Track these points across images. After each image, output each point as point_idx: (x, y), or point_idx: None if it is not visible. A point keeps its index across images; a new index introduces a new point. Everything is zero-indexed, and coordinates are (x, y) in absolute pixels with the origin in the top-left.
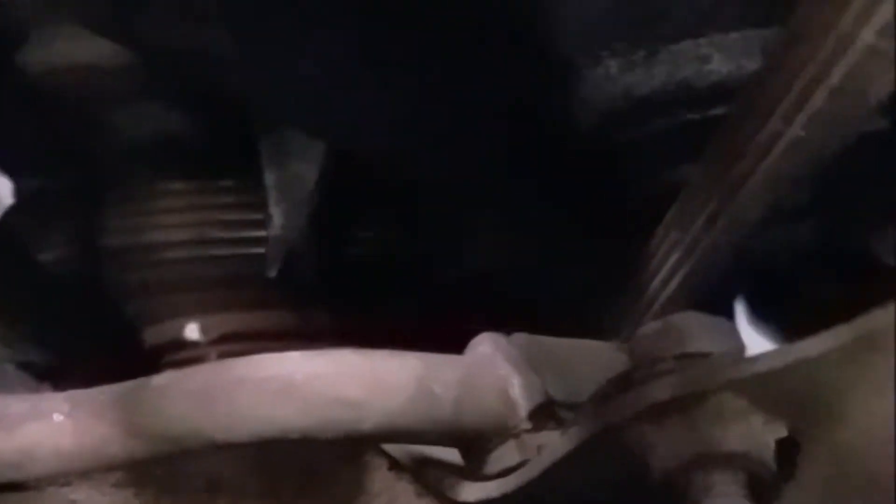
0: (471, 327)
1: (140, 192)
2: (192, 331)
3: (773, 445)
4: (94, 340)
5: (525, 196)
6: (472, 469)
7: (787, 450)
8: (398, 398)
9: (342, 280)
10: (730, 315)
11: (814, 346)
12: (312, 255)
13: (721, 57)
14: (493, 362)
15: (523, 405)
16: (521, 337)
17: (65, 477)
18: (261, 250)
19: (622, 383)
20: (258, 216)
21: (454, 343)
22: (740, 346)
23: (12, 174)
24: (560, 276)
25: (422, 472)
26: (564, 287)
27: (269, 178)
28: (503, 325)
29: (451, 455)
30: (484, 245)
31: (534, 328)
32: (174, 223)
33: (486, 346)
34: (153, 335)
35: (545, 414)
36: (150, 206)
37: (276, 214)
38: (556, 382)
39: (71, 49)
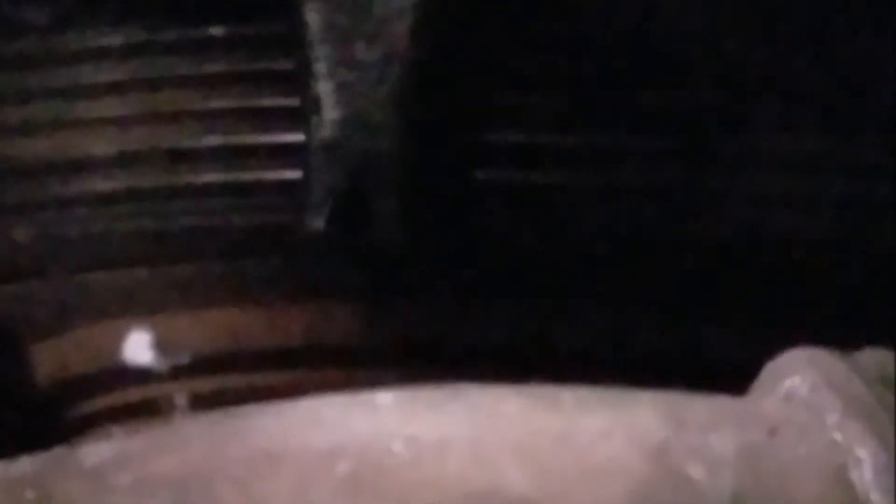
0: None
1: (25, 54)
2: (137, 347)
3: None
4: None
5: None
6: None
7: None
8: (612, 492)
9: (471, 246)
10: None
11: None
12: (402, 187)
13: None
14: (815, 414)
15: None
16: (875, 357)
17: None
18: (292, 176)
19: None
20: (289, 100)
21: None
22: None
23: None
24: None
25: None
26: None
27: (316, 14)
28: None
29: None
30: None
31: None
32: (101, 119)
33: (800, 379)
34: (56, 358)
35: None
36: (46, 83)
37: (328, 97)
38: None
39: None
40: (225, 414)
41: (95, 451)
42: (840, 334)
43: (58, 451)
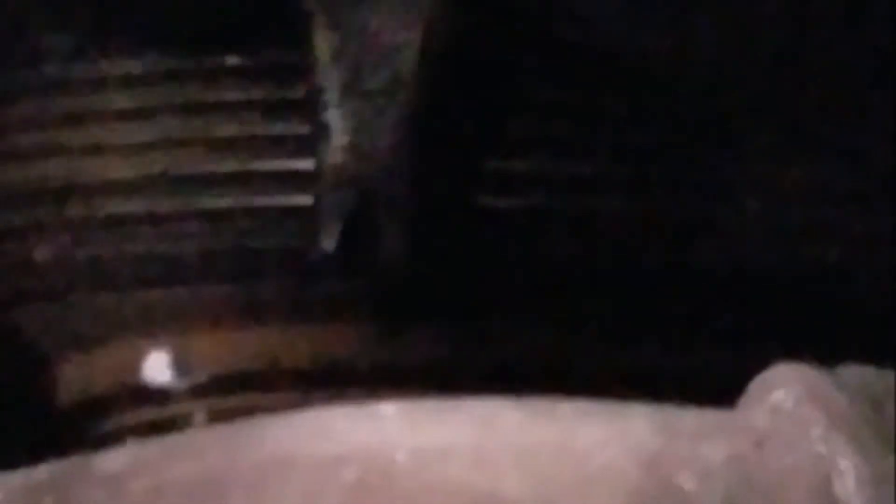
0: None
1: (48, 80)
2: (158, 367)
3: None
4: None
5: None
6: None
7: None
8: (607, 499)
9: (476, 270)
10: None
11: None
12: (409, 212)
13: None
14: (800, 426)
15: None
16: (857, 373)
17: None
18: (303, 200)
19: None
20: (299, 127)
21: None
22: None
23: None
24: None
25: None
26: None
27: (325, 44)
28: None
29: None
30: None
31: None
32: (120, 144)
33: (785, 393)
34: (78, 376)
35: None
36: (68, 109)
37: (337, 123)
38: None
39: None
40: (237, 424)
41: (112, 459)
42: (821, 353)
43: (76, 459)
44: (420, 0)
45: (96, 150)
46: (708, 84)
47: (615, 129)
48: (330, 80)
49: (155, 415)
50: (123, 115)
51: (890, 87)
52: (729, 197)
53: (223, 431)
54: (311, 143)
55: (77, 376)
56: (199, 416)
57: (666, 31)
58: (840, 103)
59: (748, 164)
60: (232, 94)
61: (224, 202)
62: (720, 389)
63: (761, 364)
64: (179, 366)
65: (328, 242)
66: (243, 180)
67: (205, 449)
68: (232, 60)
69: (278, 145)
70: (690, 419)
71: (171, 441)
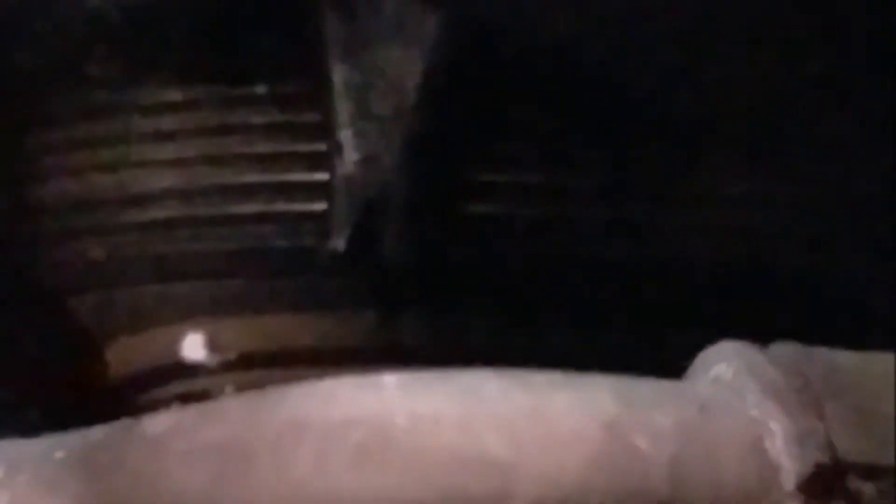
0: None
1: (101, 105)
2: (193, 347)
3: None
4: (31, 361)
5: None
6: None
7: None
8: (574, 458)
9: (464, 267)
10: None
11: None
12: (408, 217)
13: None
14: (737, 394)
15: (790, 470)
16: (785, 350)
17: None
18: (318, 207)
19: None
20: (316, 145)
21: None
22: None
23: None
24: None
25: None
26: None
27: (339, 75)
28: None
29: None
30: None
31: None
32: (163, 160)
33: (725, 366)
34: (126, 355)
35: (826, 484)
36: (117, 129)
37: (349, 142)
38: (847, 429)
39: None
40: (260, 392)
41: (156, 421)
42: (760, 334)
43: (126, 421)
44: (421, 40)
45: (143, 164)
46: (669, 106)
47: (582, 146)
48: (343, 106)
49: (191, 387)
50: (166, 136)
51: (830, 106)
52: (681, 203)
53: (248, 399)
54: (325, 159)
55: (126, 354)
56: (229, 387)
57: (633, 57)
58: (784, 118)
59: (703, 177)
60: (259, 118)
61: (251, 208)
62: (671, 364)
63: (705, 343)
64: (212, 346)
65: (339, 243)
66: (267, 190)
67: (233, 414)
68: (259, 89)
69: (298, 161)
70: (645, 389)
71: (206, 407)
